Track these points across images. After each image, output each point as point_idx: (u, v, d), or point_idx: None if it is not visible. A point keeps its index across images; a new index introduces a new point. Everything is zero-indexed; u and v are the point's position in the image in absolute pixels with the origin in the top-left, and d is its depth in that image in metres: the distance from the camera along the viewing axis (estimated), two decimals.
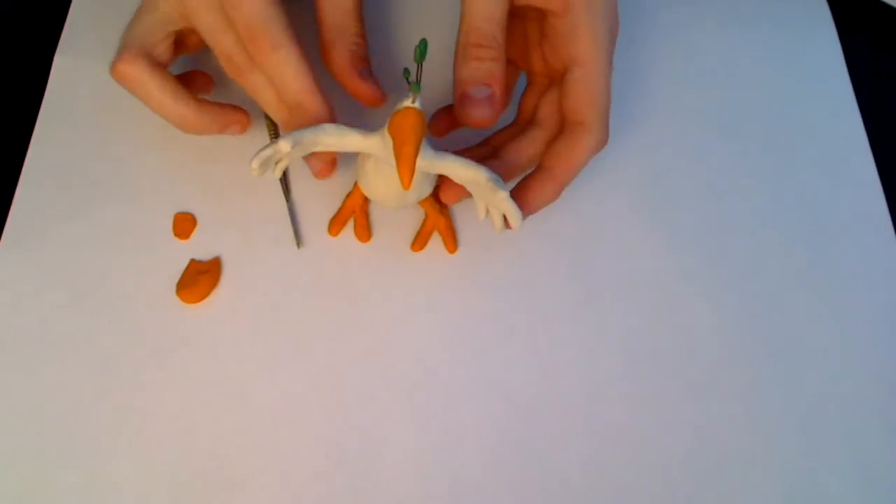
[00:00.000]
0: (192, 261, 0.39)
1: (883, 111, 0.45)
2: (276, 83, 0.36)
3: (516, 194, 0.36)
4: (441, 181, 0.36)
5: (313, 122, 0.35)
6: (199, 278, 0.38)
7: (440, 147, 0.34)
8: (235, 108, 0.40)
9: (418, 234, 0.40)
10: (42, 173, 0.40)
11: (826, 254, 0.41)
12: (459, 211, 0.41)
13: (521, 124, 0.39)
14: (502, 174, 0.35)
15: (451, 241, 0.40)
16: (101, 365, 0.36)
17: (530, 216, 0.36)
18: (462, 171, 0.33)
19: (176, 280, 0.38)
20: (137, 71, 0.36)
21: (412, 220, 0.41)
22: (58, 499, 0.34)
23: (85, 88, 0.43)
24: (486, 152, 0.37)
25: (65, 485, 0.34)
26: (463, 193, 0.36)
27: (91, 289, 0.38)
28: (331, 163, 0.38)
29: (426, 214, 0.40)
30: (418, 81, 0.31)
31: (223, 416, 0.36)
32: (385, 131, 0.32)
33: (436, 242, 0.40)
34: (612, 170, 0.42)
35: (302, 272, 0.39)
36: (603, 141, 0.36)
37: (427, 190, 0.36)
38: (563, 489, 0.35)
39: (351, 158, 0.40)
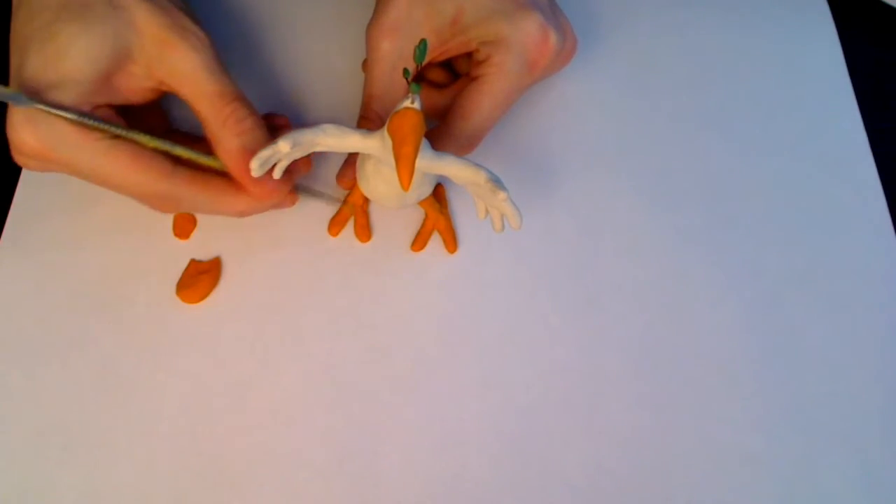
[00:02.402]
0: (192, 261, 0.39)
1: (883, 111, 0.45)
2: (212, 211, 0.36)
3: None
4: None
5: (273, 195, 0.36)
6: (199, 278, 0.38)
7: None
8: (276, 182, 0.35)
9: (418, 234, 0.40)
10: (42, 173, 0.40)
11: (826, 254, 0.41)
12: (459, 211, 0.41)
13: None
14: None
15: (451, 241, 0.40)
16: (101, 365, 0.36)
17: (528, 217, 0.36)
18: (462, 171, 0.33)
19: (176, 280, 0.38)
20: (48, 143, 0.30)
21: (412, 220, 0.41)
22: (58, 499, 0.34)
23: None
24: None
25: (65, 485, 0.34)
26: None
27: (91, 289, 0.38)
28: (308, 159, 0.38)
29: (426, 214, 0.40)
30: (418, 82, 0.31)
31: (223, 416, 0.36)
32: (385, 132, 0.32)
33: (436, 242, 0.40)
34: (612, 169, 0.42)
35: (302, 272, 0.39)
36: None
37: (427, 190, 0.36)
38: (563, 488, 0.35)
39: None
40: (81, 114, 0.31)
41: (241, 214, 0.36)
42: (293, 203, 0.38)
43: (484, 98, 0.37)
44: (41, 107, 0.30)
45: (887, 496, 0.36)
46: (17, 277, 0.38)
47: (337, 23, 0.46)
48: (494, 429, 0.36)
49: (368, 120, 0.38)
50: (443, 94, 0.40)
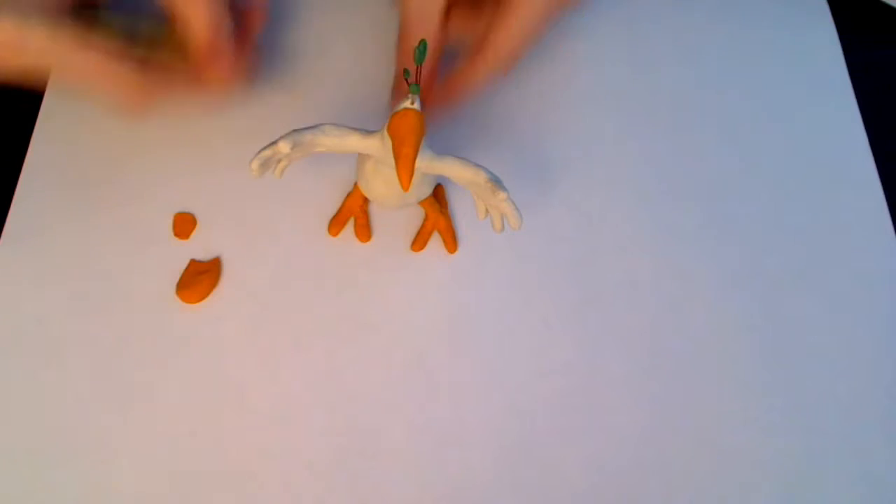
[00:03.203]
0: (192, 261, 0.39)
1: (883, 111, 0.45)
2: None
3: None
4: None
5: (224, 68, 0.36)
6: (199, 278, 0.38)
7: (442, 144, 0.34)
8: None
9: (418, 234, 0.40)
10: (42, 173, 0.40)
11: (826, 254, 0.41)
12: (459, 211, 0.41)
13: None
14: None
15: (451, 241, 0.40)
16: (101, 365, 0.36)
17: (528, 217, 0.36)
18: (462, 171, 0.33)
19: (176, 280, 0.38)
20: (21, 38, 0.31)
21: (412, 220, 0.41)
22: (58, 499, 0.34)
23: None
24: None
25: (65, 485, 0.34)
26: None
27: (91, 289, 0.38)
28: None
29: (426, 214, 0.40)
30: (418, 83, 0.31)
31: (223, 416, 0.36)
32: (384, 132, 0.32)
33: (436, 242, 0.40)
34: (613, 170, 0.42)
35: (302, 272, 0.39)
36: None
37: (427, 190, 0.36)
38: (563, 489, 0.35)
39: (350, 158, 0.40)
40: (50, 22, 0.32)
41: (219, 77, 0.36)
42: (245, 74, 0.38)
43: (523, 8, 0.37)
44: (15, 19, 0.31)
45: (888, 496, 0.36)
46: (17, 277, 0.38)
47: (337, 22, 0.46)
48: (495, 429, 0.36)
49: (403, 92, 0.38)
50: (477, 16, 0.39)
